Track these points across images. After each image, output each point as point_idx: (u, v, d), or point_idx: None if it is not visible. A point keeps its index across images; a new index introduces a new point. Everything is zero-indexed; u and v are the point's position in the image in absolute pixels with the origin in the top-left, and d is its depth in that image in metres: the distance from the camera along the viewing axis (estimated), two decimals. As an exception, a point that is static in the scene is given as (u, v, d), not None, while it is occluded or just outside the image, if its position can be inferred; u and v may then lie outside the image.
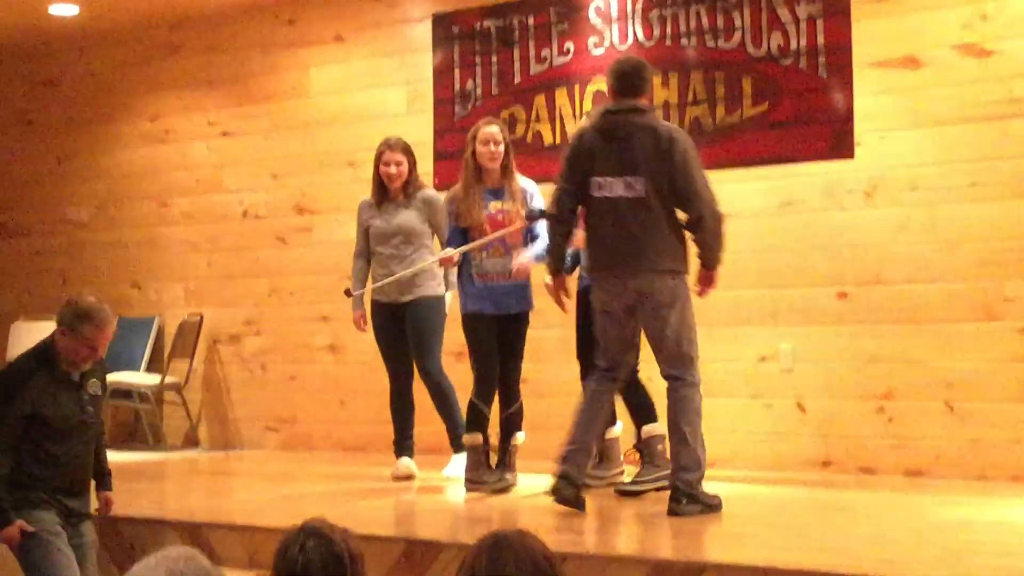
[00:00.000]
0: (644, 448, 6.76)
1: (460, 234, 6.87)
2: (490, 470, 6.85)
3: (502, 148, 6.90)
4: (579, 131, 6.19)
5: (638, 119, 5.94)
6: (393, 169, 7.36)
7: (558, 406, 8.01)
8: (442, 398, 7.32)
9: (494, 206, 6.87)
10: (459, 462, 7.13)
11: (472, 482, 6.80)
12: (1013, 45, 7.09)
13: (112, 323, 5.41)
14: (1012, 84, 7.08)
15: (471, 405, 6.87)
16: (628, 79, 6.03)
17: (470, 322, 6.88)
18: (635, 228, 5.90)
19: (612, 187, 5.94)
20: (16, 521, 5.19)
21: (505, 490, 6.77)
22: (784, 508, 6.35)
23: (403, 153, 7.40)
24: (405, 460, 7.44)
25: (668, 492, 5.94)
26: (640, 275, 5.91)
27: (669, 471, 6.17)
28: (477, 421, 6.82)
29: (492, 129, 6.91)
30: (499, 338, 6.88)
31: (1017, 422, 7.02)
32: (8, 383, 5.30)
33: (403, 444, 7.51)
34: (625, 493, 6.58)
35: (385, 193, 7.43)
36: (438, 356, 7.37)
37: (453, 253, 6.79)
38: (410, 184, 7.41)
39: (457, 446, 7.22)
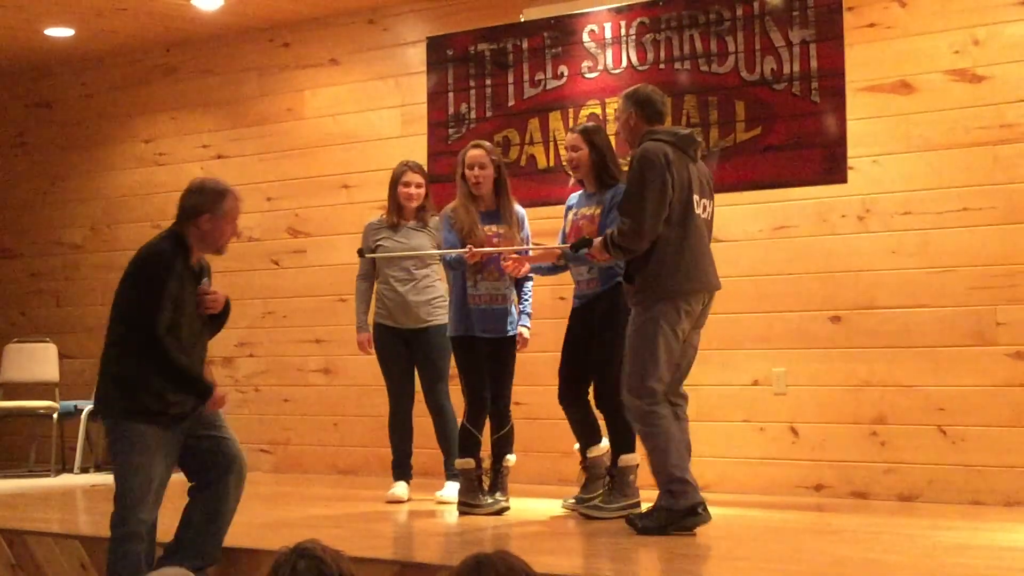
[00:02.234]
0: (589, 468, 6.79)
1: (461, 247, 6.79)
2: (483, 494, 6.84)
3: (489, 171, 6.89)
4: (660, 148, 6.00)
5: None
6: (413, 190, 7.44)
7: (551, 429, 8.03)
8: (444, 425, 7.34)
9: (488, 229, 6.87)
10: (453, 487, 7.14)
11: (466, 505, 6.79)
12: (1005, 71, 7.12)
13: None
14: (1003, 109, 7.11)
15: (463, 429, 6.86)
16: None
17: (462, 345, 6.88)
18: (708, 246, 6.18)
19: (705, 208, 6.11)
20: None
21: (499, 513, 6.77)
22: (776, 532, 6.34)
23: (422, 175, 7.52)
24: (403, 484, 7.45)
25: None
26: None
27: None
28: (469, 445, 6.81)
29: (476, 152, 6.91)
30: (489, 361, 6.89)
31: (1010, 447, 7.02)
32: (162, 263, 5.20)
33: (403, 468, 7.53)
34: (587, 516, 6.61)
35: (400, 215, 7.48)
36: (447, 383, 7.41)
37: (479, 252, 6.71)
38: (425, 208, 7.50)
39: (453, 473, 7.22)
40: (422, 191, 7.47)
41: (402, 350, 7.45)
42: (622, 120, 6.26)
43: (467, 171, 6.87)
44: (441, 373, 7.39)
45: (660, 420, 5.92)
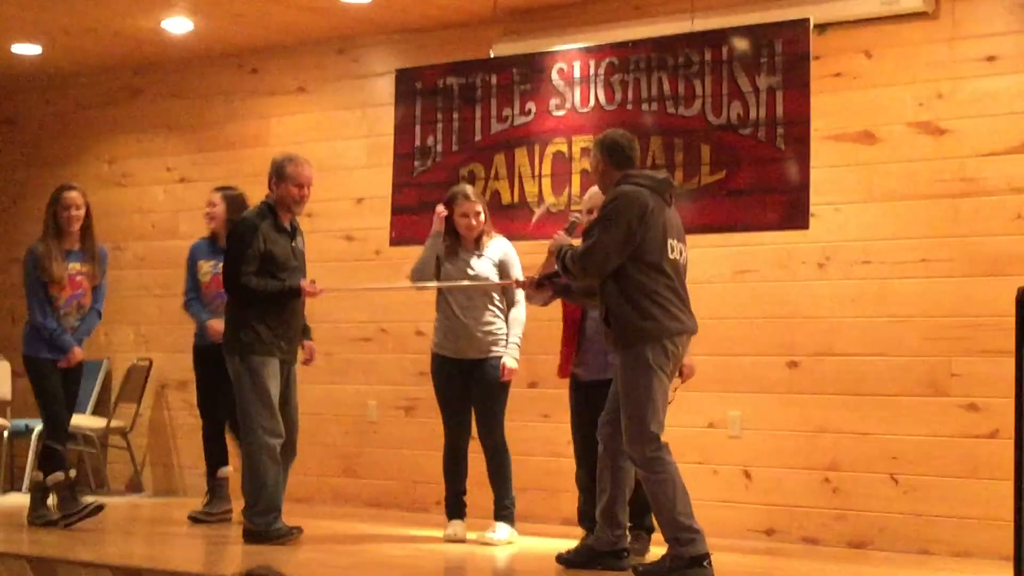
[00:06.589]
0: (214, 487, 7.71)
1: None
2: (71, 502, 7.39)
3: (81, 212, 7.57)
4: (641, 194, 5.99)
5: None
6: (473, 221, 7.33)
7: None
8: (499, 463, 7.20)
9: (72, 267, 7.62)
10: (504, 528, 7.09)
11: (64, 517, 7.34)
12: (967, 124, 7.20)
13: (309, 163, 7.06)
14: (965, 163, 7.19)
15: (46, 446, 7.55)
16: None
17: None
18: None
19: (681, 252, 6.11)
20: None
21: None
22: None
23: (480, 202, 7.49)
24: (458, 523, 7.26)
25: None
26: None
27: None
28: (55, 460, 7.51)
29: (71, 195, 7.60)
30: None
31: (960, 497, 7.06)
32: (246, 229, 6.82)
33: (457, 506, 7.30)
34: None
35: (458, 241, 7.35)
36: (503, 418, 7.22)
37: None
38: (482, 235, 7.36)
39: (504, 514, 7.14)
40: (479, 220, 7.33)
41: (458, 381, 7.25)
42: (593, 166, 6.31)
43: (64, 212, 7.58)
44: (494, 409, 7.19)
45: (665, 467, 5.82)
